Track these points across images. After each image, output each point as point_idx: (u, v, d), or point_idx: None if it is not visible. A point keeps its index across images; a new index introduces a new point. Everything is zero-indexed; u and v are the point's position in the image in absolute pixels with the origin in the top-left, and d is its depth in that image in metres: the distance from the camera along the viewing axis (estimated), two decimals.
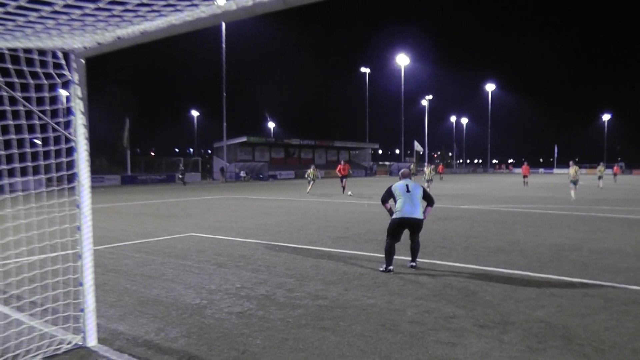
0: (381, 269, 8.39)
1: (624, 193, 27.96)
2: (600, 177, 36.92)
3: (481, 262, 9.08)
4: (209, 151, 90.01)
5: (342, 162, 32.28)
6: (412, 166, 53.93)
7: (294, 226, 14.25)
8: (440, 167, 60.63)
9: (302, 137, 77.14)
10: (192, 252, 10.04)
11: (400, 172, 9.30)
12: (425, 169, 34.58)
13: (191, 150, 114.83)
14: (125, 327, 5.56)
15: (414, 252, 8.73)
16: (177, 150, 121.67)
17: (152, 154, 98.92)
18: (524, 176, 42.79)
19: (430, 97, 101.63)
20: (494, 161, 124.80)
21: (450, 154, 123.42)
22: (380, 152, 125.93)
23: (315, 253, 9.96)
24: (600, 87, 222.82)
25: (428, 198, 8.97)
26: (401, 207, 8.55)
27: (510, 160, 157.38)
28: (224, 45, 58.17)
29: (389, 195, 8.87)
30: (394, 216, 8.65)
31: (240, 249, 10.36)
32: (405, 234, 8.65)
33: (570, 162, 26.31)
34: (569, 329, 5.52)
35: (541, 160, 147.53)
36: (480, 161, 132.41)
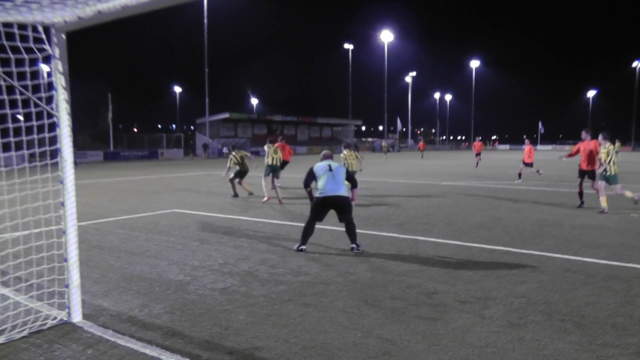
0: (294, 247, 8.20)
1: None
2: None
3: (463, 238, 9.18)
4: (192, 127, 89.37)
5: (280, 140, 20.11)
6: (384, 144, 52.72)
7: (275, 203, 14.25)
8: (421, 143, 60.40)
9: (284, 113, 76.75)
10: (175, 229, 10.03)
11: (321, 154, 8.91)
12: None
13: (174, 126, 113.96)
14: (109, 303, 5.57)
15: (350, 234, 8.12)
16: (159, 126, 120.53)
17: (135, 130, 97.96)
18: (477, 154, 34.90)
19: (414, 73, 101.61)
20: (478, 138, 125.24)
21: (433, 130, 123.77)
22: (363, 128, 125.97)
23: (298, 230, 9.91)
24: (585, 64, 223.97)
25: (351, 179, 8.66)
26: (323, 186, 8.13)
27: (494, 137, 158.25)
28: (205, 21, 57.43)
29: (310, 177, 8.40)
30: (316, 195, 8.24)
31: (223, 226, 10.38)
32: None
33: (343, 146, 15.78)
34: (549, 304, 5.61)
35: (525, 136, 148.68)
36: (464, 137, 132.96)
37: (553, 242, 8.86)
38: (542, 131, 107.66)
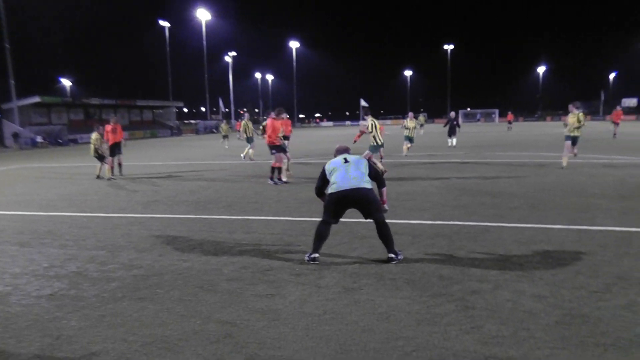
0: (306, 257, 6.44)
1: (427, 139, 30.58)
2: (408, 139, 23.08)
3: (294, 213, 9.39)
4: None
5: (113, 121, 18.28)
6: (223, 125, 41.18)
7: (101, 193, 13.41)
8: (238, 124, 58.88)
9: (102, 96, 71.76)
10: None
11: (335, 149, 7.01)
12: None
13: None
14: None
15: (385, 238, 6.31)
16: None
17: None
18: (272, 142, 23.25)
19: (234, 53, 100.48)
20: (301, 116, 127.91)
21: (256, 110, 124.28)
22: (185, 110, 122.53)
23: (126, 220, 9.51)
24: (401, 46, 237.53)
25: (376, 177, 6.55)
26: (339, 179, 6.26)
27: (317, 115, 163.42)
28: None
29: (323, 181, 6.57)
30: (329, 191, 6.36)
31: (44, 224, 9.47)
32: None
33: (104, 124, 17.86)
34: (381, 267, 6.01)
35: (347, 113, 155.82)
36: (288, 116, 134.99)
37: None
38: (367, 105, 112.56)
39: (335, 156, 6.73)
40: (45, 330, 4.60)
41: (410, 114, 22.97)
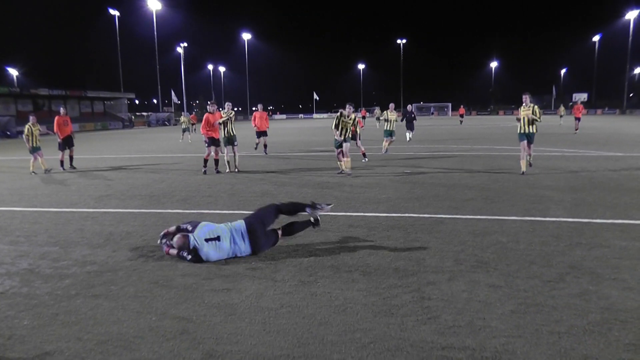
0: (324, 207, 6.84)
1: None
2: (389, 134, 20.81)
3: (248, 206, 9.32)
4: None
5: (63, 113, 17.55)
6: (183, 118, 38.41)
7: (51, 188, 13.04)
8: (193, 116, 57.60)
9: (51, 86, 69.42)
10: None
11: (176, 244, 6.25)
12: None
13: None
14: None
15: (295, 209, 6.83)
16: None
17: None
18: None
19: (185, 44, 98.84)
20: (254, 108, 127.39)
21: (209, 102, 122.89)
22: (137, 102, 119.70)
23: (79, 215, 9.27)
24: (354, 40, 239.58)
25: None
26: (239, 245, 6.21)
27: (270, 107, 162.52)
28: None
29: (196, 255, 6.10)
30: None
31: None
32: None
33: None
34: (337, 259, 6.05)
35: (301, 106, 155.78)
36: (240, 109, 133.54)
37: (335, 201, 9.40)
38: (317, 101, 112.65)
39: (192, 240, 6.12)
40: None
41: (392, 105, 21.63)
